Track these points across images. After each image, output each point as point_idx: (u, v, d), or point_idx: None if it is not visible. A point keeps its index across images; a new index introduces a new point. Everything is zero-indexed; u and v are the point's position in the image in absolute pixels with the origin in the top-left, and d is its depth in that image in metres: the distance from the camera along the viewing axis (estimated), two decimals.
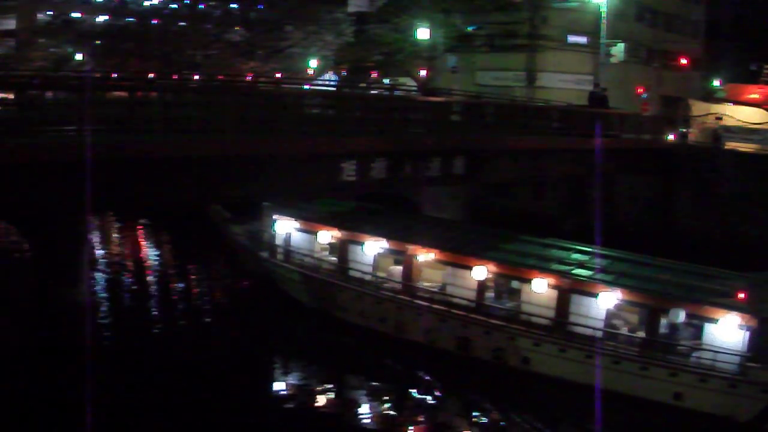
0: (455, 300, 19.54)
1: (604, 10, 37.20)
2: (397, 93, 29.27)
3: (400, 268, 20.81)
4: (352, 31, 47.57)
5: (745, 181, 28.64)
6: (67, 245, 18.51)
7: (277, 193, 21.95)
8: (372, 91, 30.52)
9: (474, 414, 17.41)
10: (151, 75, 28.74)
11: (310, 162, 18.85)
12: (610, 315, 18.03)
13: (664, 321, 17.63)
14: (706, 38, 55.01)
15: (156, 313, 22.89)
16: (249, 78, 35.54)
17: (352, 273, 21.23)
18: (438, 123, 22.42)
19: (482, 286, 19.32)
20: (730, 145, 31.72)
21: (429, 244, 20.38)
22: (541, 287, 18.59)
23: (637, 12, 48.75)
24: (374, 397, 18.05)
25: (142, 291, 24.78)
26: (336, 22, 46.31)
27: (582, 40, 44.65)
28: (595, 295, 18.02)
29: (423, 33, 43.01)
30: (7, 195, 14.04)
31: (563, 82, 43.84)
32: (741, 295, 17.22)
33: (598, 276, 18.52)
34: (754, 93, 38.37)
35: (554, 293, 18.50)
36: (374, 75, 46.57)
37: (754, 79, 41.89)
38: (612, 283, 18.06)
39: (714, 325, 17.05)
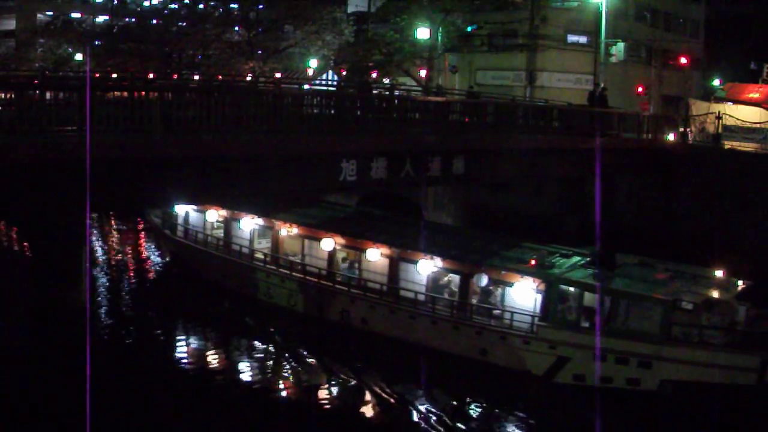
0: (310, 269, 22.43)
1: (603, 9, 37.19)
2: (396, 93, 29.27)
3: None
4: (352, 31, 47.55)
5: (745, 181, 28.62)
6: (67, 246, 18.51)
7: (278, 193, 22.07)
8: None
9: (322, 371, 19.94)
10: (151, 75, 28.75)
11: (310, 162, 18.86)
12: (430, 280, 20.46)
13: (474, 285, 19.92)
14: (706, 37, 54.99)
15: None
16: (249, 77, 35.57)
17: (233, 247, 24.44)
18: (438, 123, 22.41)
19: (331, 256, 22.21)
20: (730, 144, 31.70)
21: (291, 220, 23.32)
22: (375, 256, 21.28)
23: (637, 11, 48.74)
24: (249, 355, 20.98)
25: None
26: (336, 22, 46.27)
27: (582, 39, 44.65)
28: (416, 263, 20.47)
29: (423, 33, 43.01)
30: (7, 195, 14.05)
31: (563, 82, 43.83)
32: (532, 262, 19.78)
33: (420, 245, 20.90)
34: (754, 92, 38.32)
35: (386, 261, 21.14)
36: (374, 75, 46.52)
37: (754, 78, 41.85)
38: (430, 252, 20.47)
39: (511, 288, 19.48)
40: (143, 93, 15.53)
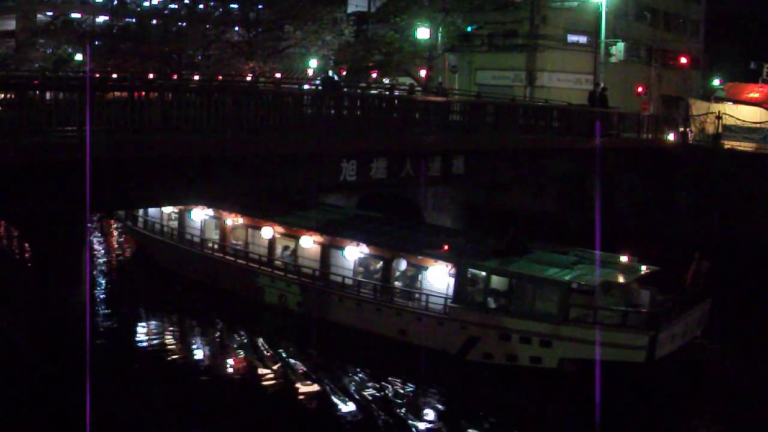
0: (252, 255, 23.79)
1: (604, 9, 37.20)
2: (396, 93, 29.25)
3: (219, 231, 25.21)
4: (352, 31, 47.53)
5: (745, 181, 28.62)
6: (67, 246, 18.52)
7: (278, 193, 22.13)
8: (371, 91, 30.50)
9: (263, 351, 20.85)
10: (151, 75, 28.77)
11: (310, 161, 18.86)
12: (357, 265, 21.81)
13: (394, 270, 21.05)
14: (706, 37, 54.99)
15: None
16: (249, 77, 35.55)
17: (186, 237, 25.84)
18: (438, 123, 22.41)
19: (271, 243, 23.47)
20: (730, 144, 31.69)
21: (237, 210, 24.35)
22: (308, 243, 22.60)
23: (637, 11, 48.77)
24: (191, 337, 22.51)
25: None
26: (336, 22, 46.26)
27: (582, 39, 44.66)
28: (343, 249, 21.78)
29: (423, 33, 43.01)
30: (7, 195, 14.05)
31: (563, 82, 43.85)
32: (445, 247, 20.94)
33: (347, 233, 22.22)
34: (754, 92, 38.32)
35: (318, 248, 22.41)
36: (374, 75, 46.53)
37: (754, 78, 41.87)
38: (356, 239, 21.79)
39: (427, 272, 20.61)
40: (143, 93, 15.53)
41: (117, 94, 15.79)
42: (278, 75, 41.84)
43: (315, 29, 45.31)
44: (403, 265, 20.91)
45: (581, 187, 29.28)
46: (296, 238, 23.01)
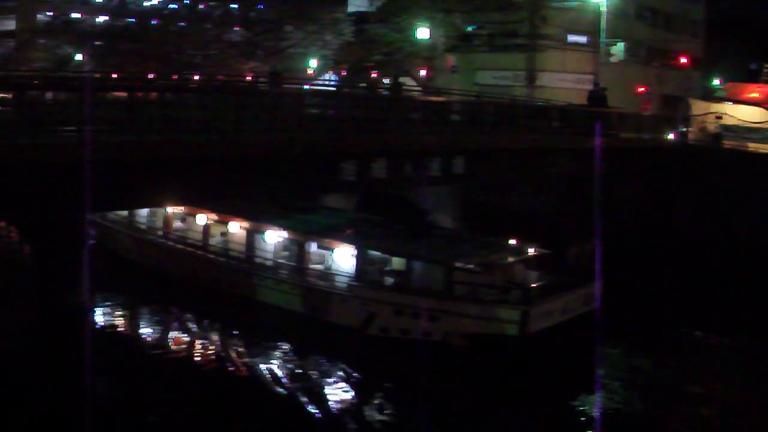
0: (189, 240, 25.49)
1: (603, 9, 37.17)
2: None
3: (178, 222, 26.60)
4: (352, 31, 47.52)
5: (745, 181, 28.62)
6: (67, 246, 18.53)
7: (278, 193, 22.15)
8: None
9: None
10: (150, 75, 28.77)
11: (310, 161, 18.85)
12: (276, 248, 23.51)
13: (307, 252, 22.72)
14: (706, 37, 54.92)
15: None
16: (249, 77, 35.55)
17: (135, 224, 27.42)
18: (438, 123, 22.41)
19: (206, 229, 25.15)
20: (730, 144, 31.70)
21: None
22: (235, 228, 24.47)
23: (637, 11, 48.68)
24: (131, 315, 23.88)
25: None
26: (336, 22, 46.26)
27: (582, 39, 44.58)
28: (263, 233, 23.59)
29: (423, 33, 42.98)
30: (7, 195, 14.05)
31: (563, 82, 43.75)
32: (348, 231, 22.87)
33: (268, 219, 23.73)
34: (754, 92, 38.34)
35: (244, 233, 24.09)
36: (374, 75, 46.52)
37: (754, 78, 41.86)
38: (275, 224, 23.44)
39: (334, 253, 22.37)
40: (143, 93, 15.53)
41: (117, 94, 15.80)
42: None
43: (315, 29, 45.31)
44: (314, 247, 22.76)
45: (581, 187, 29.26)
46: (225, 224, 24.82)
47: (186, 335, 22.51)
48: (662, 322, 23.75)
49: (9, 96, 13.95)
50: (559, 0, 44.36)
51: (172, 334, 22.67)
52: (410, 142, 21.12)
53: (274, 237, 23.60)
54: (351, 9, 52.24)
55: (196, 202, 24.15)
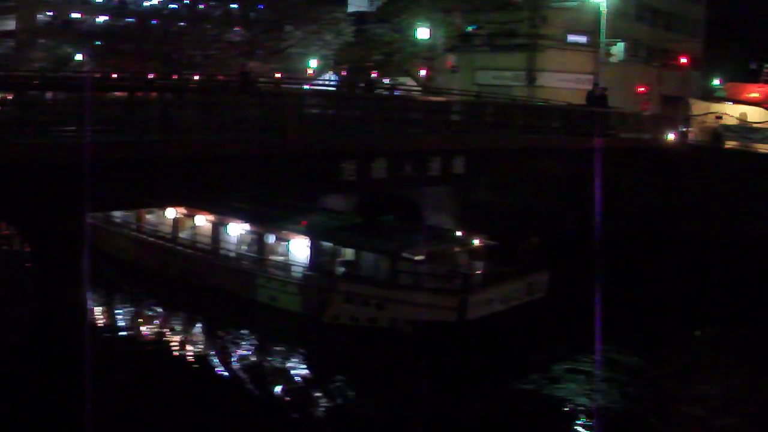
0: (160, 234, 26.49)
1: (604, 9, 37.17)
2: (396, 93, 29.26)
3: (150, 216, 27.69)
4: (352, 31, 47.52)
5: (745, 181, 28.61)
6: (67, 246, 18.52)
7: (278, 193, 22.16)
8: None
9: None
10: (150, 75, 28.78)
11: (310, 161, 18.85)
12: (238, 240, 24.59)
13: (265, 243, 23.69)
14: (706, 37, 54.92)
15: None
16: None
17: (110, 219, 28.06)
18: (438, 123, 22.41)
19: (176, 222, 26.12)
20: (730, 144, 31.69)
21: None
22: (201, 222, 25.44)
23: (637, 11, 48.68)
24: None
25: None
26: (336, 22, 46.26)
27: (582, 39, 44.58)
28: (226, 226, 24.62)
29: (423, 33, 42.97)
30: (7, 195, 14.05)
31: (563, 82, 43.75)
32: (303, 222, 23.65)
33: (231, 212, 24.44)
34: (754, 92, 38.34)
35: (210, 226, 25.10)
36: (374, 75, 46.52)
37: (753, 77, 41.87)
38: (237, 217, 24.32)
39: (290, 244, 23.38)
40: (143, 93, 15.53)
41: (117, 94, 15.80)
42: (278, 75, 41.85)
43: (315, 29, 45.32)
44: (272, 239, 23.75)
45: (581, 187, 29.24)
46: (193, 218, 25.72)
47: (150, 325, 23.15)
48: (646, 320, 23.57)
49: (9, 96, 13.94)
50: (559, 0, 44.36)
51: (139, 325, 23.25)
52: (410, 142, 21.12)
53: (236, 229, 24.62)
54: (351, 9, 52.24)
55: (197, 202, 24.16)
